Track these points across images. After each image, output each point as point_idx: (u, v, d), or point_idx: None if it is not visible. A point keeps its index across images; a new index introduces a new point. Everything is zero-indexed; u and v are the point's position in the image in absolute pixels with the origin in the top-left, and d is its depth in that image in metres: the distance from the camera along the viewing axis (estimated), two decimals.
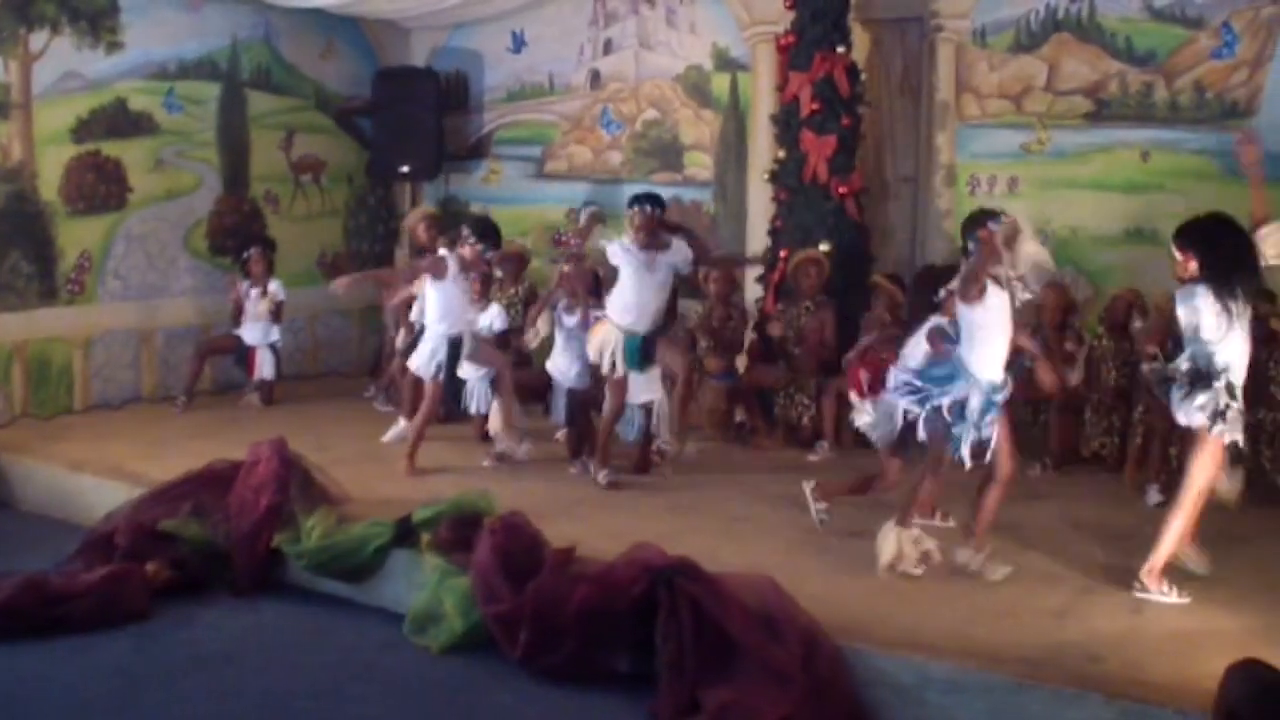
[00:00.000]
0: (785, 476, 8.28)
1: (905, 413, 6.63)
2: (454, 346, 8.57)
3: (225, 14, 11.55)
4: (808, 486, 7.39)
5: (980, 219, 6.56)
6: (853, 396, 7.31)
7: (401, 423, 9.52)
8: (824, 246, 9.62)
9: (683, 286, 9.14)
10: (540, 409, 9.50)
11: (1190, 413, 6.08)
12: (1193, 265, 6.11)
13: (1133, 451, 8.40)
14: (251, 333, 10.90)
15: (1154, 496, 7.80)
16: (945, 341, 6.59)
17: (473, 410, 9.43)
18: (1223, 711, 4.05)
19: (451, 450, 9.19)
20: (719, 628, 5.77)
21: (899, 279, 9.28)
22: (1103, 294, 9.21)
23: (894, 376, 6.67)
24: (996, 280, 6.29)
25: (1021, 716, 5.22)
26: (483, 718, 5.86)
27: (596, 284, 9.00)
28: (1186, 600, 6.17)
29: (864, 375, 7.15)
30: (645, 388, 8.52)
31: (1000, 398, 6.42)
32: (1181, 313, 6.14)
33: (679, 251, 8.27)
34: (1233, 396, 6.03)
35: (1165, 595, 6.19)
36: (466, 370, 9.22)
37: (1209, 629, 5.84)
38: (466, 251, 8.64)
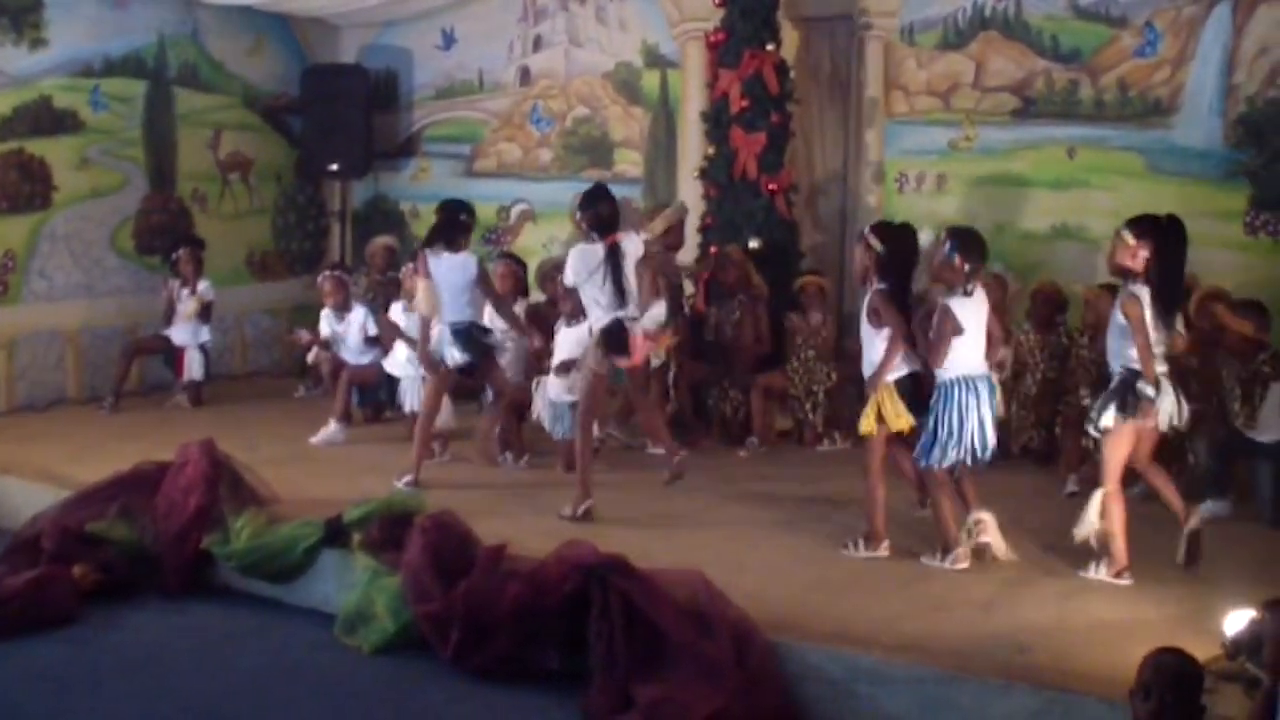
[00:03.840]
0: (716, 473, 8.32)
1: None
2: None
3: (151, 10, 11.43)
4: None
5: None
6: None
7: (332, 425, 9.46)
8: (754, 243, 9.65)
9: None
10: (475, 407, 9.45)
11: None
12: (1143, 255, 6.29)
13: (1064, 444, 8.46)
14: (180, 333, 10.77)
15: (1069, 487, 7.91)
16: None
17: (406, 409, 9.39)
18: (1138, 699, 4.10)
19: (382, 449, 9.16)
20: (651, 624, 5.79)
21: (819, 272, 9.49)
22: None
23: None
24: None
25: (950, 708, 5.28)
26: (414, 718, 5.85)
27: (525, 283, 8.99)
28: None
29: None
30: (575, 386, 8.52)
31: None
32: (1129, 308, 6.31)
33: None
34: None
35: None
36: (398, 368, 9.21)
37: (1133, 618, 5.91)
38: None
